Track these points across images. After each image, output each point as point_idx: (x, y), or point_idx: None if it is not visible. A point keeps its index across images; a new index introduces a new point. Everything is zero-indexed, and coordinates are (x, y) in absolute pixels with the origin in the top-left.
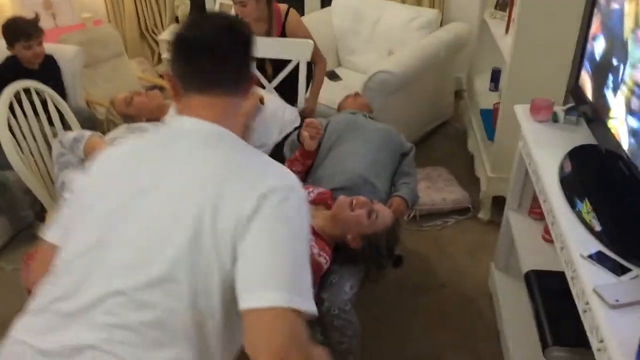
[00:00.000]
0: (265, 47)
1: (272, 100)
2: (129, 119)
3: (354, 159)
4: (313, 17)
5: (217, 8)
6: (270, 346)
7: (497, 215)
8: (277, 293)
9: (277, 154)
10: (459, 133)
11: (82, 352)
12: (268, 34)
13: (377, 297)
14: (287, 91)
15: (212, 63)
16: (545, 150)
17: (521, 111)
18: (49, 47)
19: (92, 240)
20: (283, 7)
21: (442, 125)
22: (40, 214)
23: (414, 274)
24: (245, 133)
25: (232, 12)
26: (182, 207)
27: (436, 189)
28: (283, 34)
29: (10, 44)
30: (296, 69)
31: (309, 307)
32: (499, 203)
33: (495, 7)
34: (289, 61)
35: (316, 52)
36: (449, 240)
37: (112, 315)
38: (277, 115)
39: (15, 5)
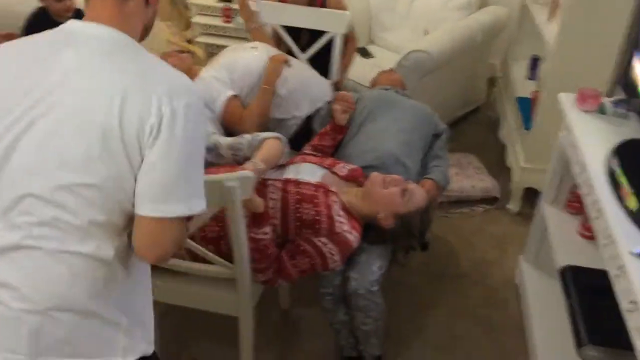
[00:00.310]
0: (302, 16)
1: (305, 72)
2: None
3: (386, 137)
4: None
5: None
6: (157, 251)
7: (527, 207)
8: (171, 206)
9: (307, 127)
10: (491, 121)
11: (8, 252)
12: (310, 5)
13: (399, 281)
14: (319, 64)
15: None
16: (592, 142)
17: (566, 100)
18: (79, 1)
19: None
20: None
21: (473, 112)
22: None
23: (438, 260)
24: (269, 97)
25: None
26: (88, 115)
27: (465, 176)
28: (323, 7)
29: None
30: (330, 42)
31: (199, 208)
32: (529, 195)
33: None
34: (323, 35)
35: (350, 30)
36: (476, 229)
37: (28, 214)
38: (310, 87)
39: None
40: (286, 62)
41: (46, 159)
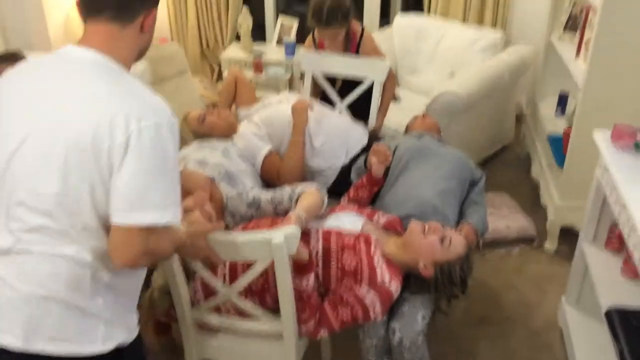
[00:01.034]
0: (341, 64)
1: (339, 121)
2: (199, 135)
3: (424, 186)
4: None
5: (277, 28)
6: (125, 255)
7: (565, 245)
8: (138, 215)
9: (344, 177)
10: (520, 159)
11: (3, 254)
12: (344, 51)
13: (438, 327)
14: (357, 109)
15: None
16: (630, 180)
17: (601, 137)
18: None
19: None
20: (358, 27)
21: (502, 150)
22: None
23: (477, 304)
24: (299, 148)
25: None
26: (67, 133)
27: (500, 216)
28: (356, 53)
29: None
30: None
31: (170, 220)
32: (566, 233)
33: (564, 29)
34: (361, 82)
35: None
36: (514, 271)
37: (20, 221)
38: (345, 136)
39: None
40: (310, 107)
41: (32, 172)
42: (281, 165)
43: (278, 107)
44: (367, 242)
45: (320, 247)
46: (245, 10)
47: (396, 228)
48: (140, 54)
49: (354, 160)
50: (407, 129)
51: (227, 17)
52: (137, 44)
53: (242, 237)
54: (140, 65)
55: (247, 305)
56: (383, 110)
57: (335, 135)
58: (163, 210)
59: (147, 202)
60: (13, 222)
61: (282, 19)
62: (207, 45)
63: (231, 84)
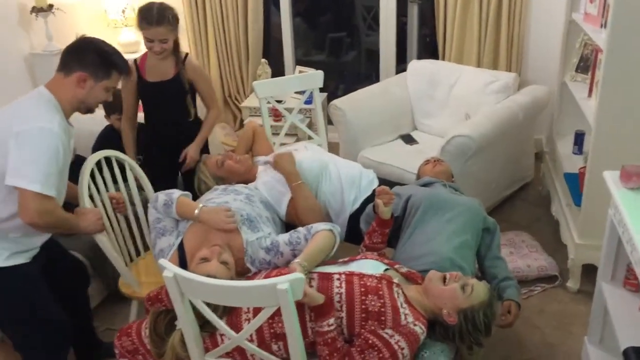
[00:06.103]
0: (284, 85)
1: (349, 167)
2: (218, 178)
3: (440, 240)
4: (389, 82)
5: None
6: (22, 214)
7: (588, 284)
8: (21, 180)
9: (353, 225)
10: (541, 197)
11: None
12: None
13: None
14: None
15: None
16: None
17: (610, 178)
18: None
19: None
20: (183, 51)
21: (522, 188)
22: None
23: (498, 346)
24: (302, 190)
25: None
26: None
27: (520, 255)
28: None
29: (107, 114)
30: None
31: (47, 192)
32: (589, 271)
33: (576, 70)
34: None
35: (211, 97)
36: (536, 310)
37: None
38: (355, 182)
39: None
40: (290, 155)
41: None
42: (298, 209)
43: (296, 154)
44: (389, 285)
45: (344, 290)
46: (263, 62)
47: (416, 280)
48: (80, 103)
49: (362, 208)
50: (418, 173)
51: (248, 68)
52: (75, 94)
53: (247, 283)
54: None
55: (256, 349)
56: (200, 140)
57: (349, 182)
58: (37, 183)
59: (38, 177)
60: None
61: (299, 69)
62: (229, 94)
63: (249, 135)
